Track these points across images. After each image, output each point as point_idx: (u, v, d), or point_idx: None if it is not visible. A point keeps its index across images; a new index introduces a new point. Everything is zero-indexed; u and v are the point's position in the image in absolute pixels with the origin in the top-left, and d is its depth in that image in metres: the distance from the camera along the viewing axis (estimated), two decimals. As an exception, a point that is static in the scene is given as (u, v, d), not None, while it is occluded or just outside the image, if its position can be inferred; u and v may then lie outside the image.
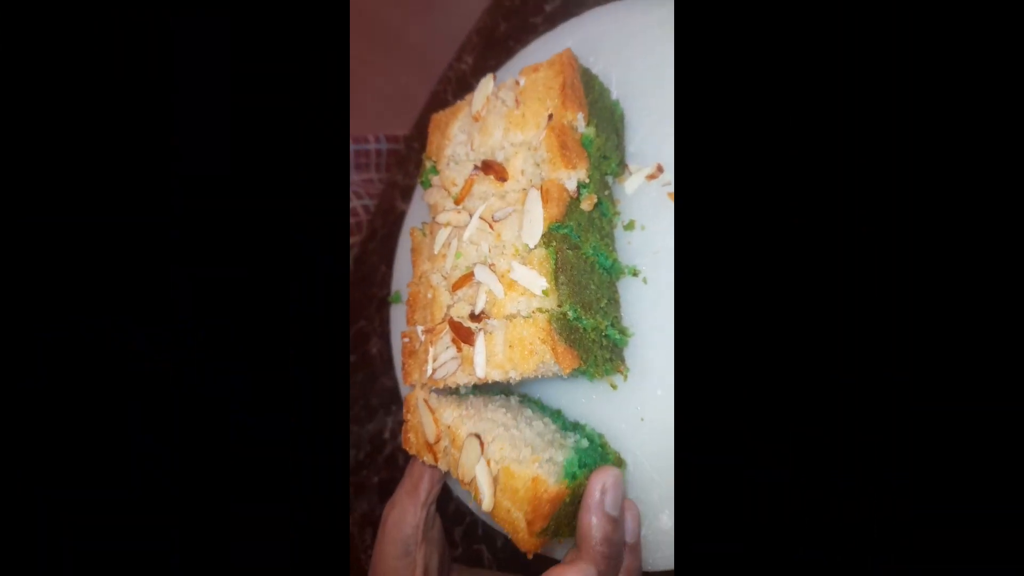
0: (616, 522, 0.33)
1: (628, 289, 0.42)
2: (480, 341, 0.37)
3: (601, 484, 0.32)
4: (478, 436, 0.35)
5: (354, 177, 0.95)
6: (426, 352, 0.40)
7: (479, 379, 0.37)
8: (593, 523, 0.32)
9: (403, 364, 0.42)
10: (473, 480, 0.34)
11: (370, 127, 1.02)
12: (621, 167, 0.43)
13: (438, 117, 0.46)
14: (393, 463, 0.69)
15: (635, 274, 0.41)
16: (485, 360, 0.36)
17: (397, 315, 0.61)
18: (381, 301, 0.78)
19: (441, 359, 0.39)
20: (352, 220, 0.88)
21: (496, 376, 0.36)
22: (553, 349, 0.34)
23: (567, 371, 0.34)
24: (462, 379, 0.38)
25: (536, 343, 0.34)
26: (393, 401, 0.71)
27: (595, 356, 0.37)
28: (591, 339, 0.37)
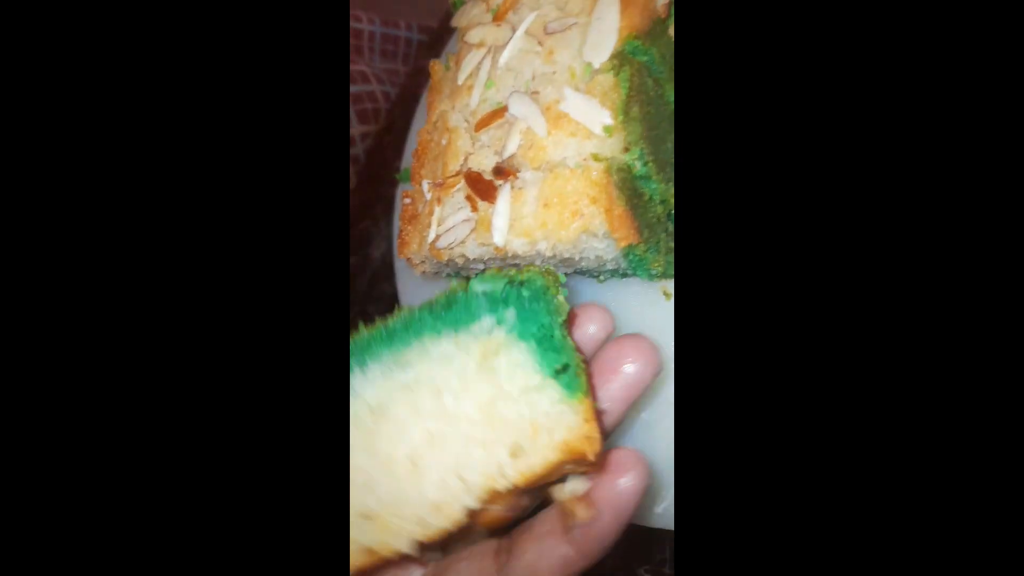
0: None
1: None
2: (504, 197, 0.26)
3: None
4: None
5: (377, 63, 0.85)
6: (431, 215, 0.30)
7: (496, 249, 0.27)
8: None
9: (400, 232, 0.32)
10: None
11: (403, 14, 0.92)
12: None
13: (485, -76, 0.35)
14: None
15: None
16: (508, 223, 0.26)
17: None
18: (389, 201, 0.70)
19: (449, 222, 0.28)
20: (369, 106, 0.78)
21: (519, 248, 0.26)
22: (607, 211, 0.24)
23: (622, 244, 0.24)
24: (473, 250, 0.28)
25: (583, 202, 0.24)
26: (393, 309, 0.65)
27: (658, 239, 0.27)
28: (657, 214, 0.27)
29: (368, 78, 0.77)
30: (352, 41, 0.83)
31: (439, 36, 0.77)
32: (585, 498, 0.24)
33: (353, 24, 0.85)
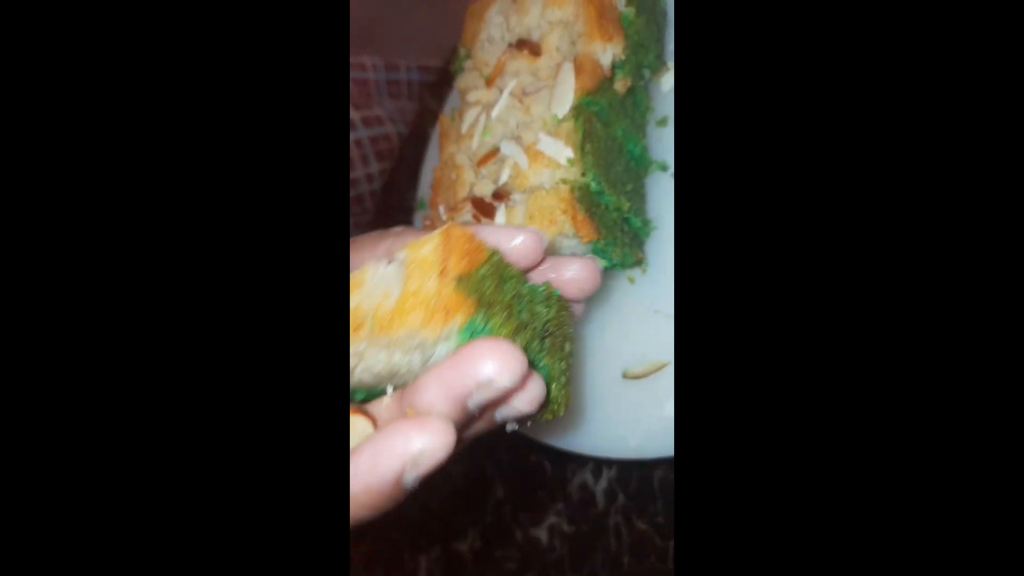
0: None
1: (657, 185, 0.41)
2: (501, 214, 0.36)
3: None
4: None
5: (387, 104, 0.95)
6: (446, 231, 0.40)
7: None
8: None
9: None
10: None
11: (404, 57, 1.01)
12: (659, 62, 0.42)
13: (474, 6, 0.45)
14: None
15: (664, 169, 0.40)
16: (504, 232, 0.36)
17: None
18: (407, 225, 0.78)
19: (461, 235, 0.39)
20: (385, 146, 0.89)
21: (514, 250, 0.36)
22: (573, 217, 0.33)
23: (585, 240, 0.34)
24: (480, 254, 0.38)
25: (556, 212, 0.34)
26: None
27: (614, 236, 0.37)
28: (612, 219, 0.37)
29: (383, 121, 0.87)
30: (362, 88, 0.92)
31: (442, 76, 0.85)
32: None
33: (360, 73, 0.94)
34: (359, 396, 0.27)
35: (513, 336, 0.24)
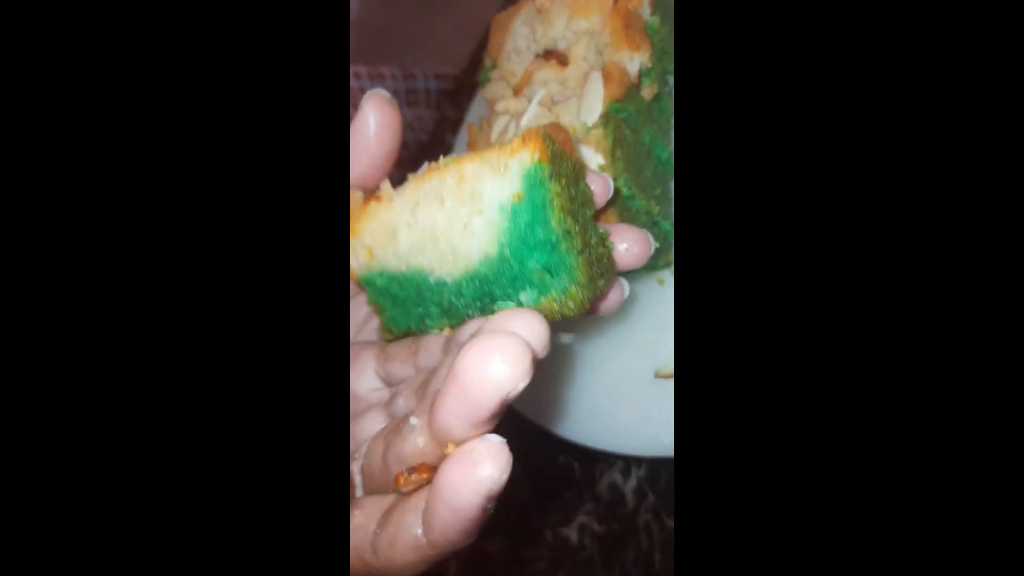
0: None
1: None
2: (533, 220, 0.38)
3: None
4: None
5: (406, 112, 0.97)
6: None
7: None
8: None
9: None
10: None
11: (421, 66, 1.03)
12: (681, 67, 0.43)
13: (499, 17, 0.46)
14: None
15: (689, 172, 0.41)
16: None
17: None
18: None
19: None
20: (405, 155, 0.90)
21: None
22: (605, 222, 0.34)
23: (619, 245, 0.35)
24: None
25: (589, 218, 0.35)
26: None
27: (646, 240, 0.38)
28: (642, 222, 0.38)
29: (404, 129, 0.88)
30: None
31: (459, 84, 0.86)
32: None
33: (377, 83, 0.96)
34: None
35: (570, 204, 0.24)
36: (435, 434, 0.22)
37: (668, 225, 0.40)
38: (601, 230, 0.27)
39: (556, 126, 0.26)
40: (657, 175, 0.40)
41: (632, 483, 0.50)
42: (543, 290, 0.24)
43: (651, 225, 0.39)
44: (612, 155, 0.36)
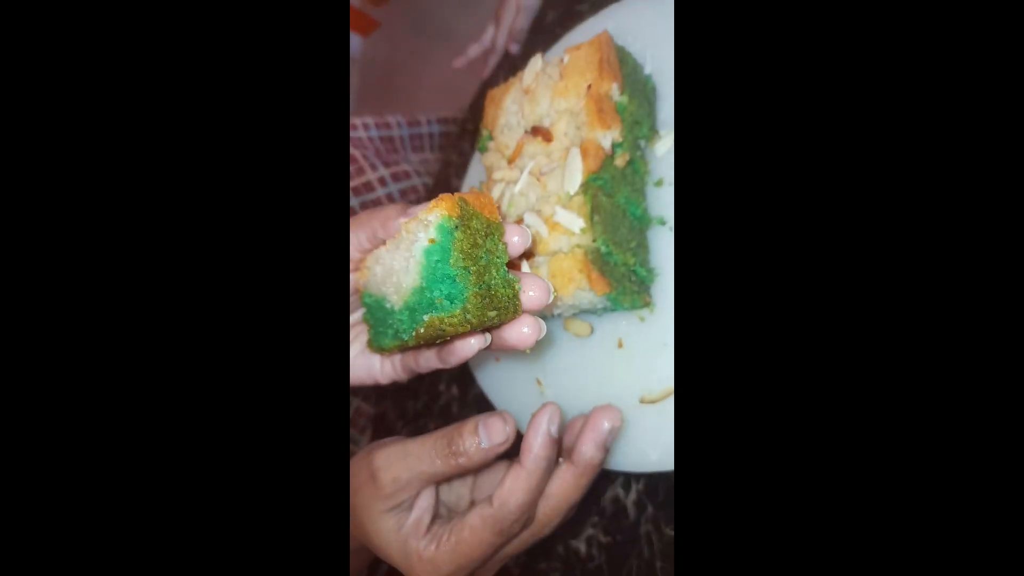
0: (555, 441, 0.37)
1: (659, 238, 0.48)
2: (525, 268, 0.44)
3: (549, 412, 0.36)
4: None
5: (412, 157, 1.03)
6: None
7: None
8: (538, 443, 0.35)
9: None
10: None
11: (424, 112, 1.10)
12: (652, 132, 0.50)
13: (493, 92, 0.54)
14: (447, 412, 0.77)
15: (662, 223, 0.48)
16: (532, 289, 0.44)
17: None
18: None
19: (495, 291, 0.46)
20: (413, 197, 0.97)
21: (541, 303, 0.44)
22: (588, 276, 0.41)
23: (599, 293, 0.41)
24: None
25: (574, 272, 0.42)
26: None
27: (624, 286, 0.44)
28: (621, 272, 0.44)
29: (410, 175, 0.95)
30: (389, 146, 1.00)
31: (462, 129, 0.92)
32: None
33: (386, 132, 1.02)
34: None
35: (471, 248, 0.30)
36: None
37: (644, 272, 0.46)
38: (511, 276, 0.33)
39: (480, 193, 0.33)
40: (632, 229, 0.46)
41: (632, 496, 0.55)
42: (438, 312, 0.30)
43: (629, 273, 0.45)
44: (591, 219, 0.42)
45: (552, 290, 0.35)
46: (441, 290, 0.30)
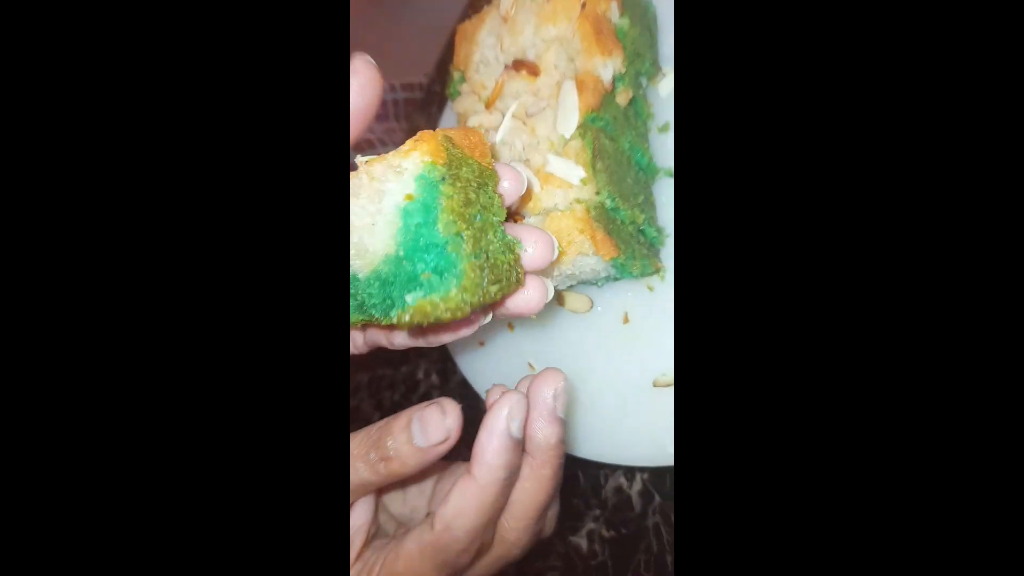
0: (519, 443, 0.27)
1: (664, 192, 0.41)
2: (516, 237, 0.36)
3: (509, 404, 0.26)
4: None
5: (376, 127, 0.96)
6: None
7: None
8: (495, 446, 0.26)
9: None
10: None
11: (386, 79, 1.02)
12: (655, 68, 0.42)
13: (464, 27, 0.45)
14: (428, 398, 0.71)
15: (670, 175, 0.40)
16: (522, 257, 0.36)
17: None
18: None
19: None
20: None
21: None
22: (592, 237, 0.33)
23: (607, 258, 0.34)
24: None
25: (575, 233, 0.34)
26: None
27: (633, 250, 0.36)
28: (629, 232, 0.37)
29: (374, 144, 0.88)
30: None
31: (429, 94, 0.85)
32: None
33: None
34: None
35: (463, 207, 0.24)
36: None
37: (653, 232, 0.39)
38: (508, 237, 0.26)
39: (468, 130, 0.25)
40: (639, 182, 0.39)
41: (637, 486, 0.50)
42: (427, 292, 0.23)
43: (637, 234, 0.38)
44: (593, 167, 0.35)
45: (556, 243, 0.27)
46: (427, 262, 0.23)
